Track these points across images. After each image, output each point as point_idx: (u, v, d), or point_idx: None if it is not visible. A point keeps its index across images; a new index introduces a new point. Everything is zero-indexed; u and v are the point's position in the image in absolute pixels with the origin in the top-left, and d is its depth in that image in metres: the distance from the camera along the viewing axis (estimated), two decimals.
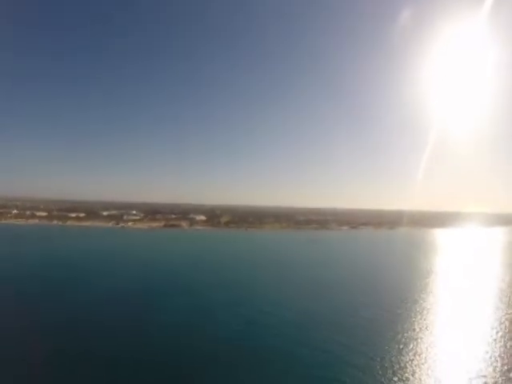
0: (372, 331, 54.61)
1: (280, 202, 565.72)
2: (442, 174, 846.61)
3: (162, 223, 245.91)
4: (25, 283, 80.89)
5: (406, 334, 53.34)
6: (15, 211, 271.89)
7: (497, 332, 54.93)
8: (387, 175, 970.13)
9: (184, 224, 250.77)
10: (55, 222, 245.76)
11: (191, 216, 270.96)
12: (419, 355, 45.92)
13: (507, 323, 59.12)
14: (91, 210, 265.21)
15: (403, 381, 39.06)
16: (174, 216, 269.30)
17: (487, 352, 46.72)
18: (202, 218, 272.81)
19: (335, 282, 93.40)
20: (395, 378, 39.30)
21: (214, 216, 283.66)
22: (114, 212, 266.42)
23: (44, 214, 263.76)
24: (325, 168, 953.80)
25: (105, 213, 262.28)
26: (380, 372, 40.58)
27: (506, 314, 65.53)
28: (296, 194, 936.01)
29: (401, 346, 48.38)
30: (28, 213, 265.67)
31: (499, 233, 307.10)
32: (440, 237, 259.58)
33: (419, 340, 51.52)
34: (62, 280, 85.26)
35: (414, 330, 56.26)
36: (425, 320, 61.30)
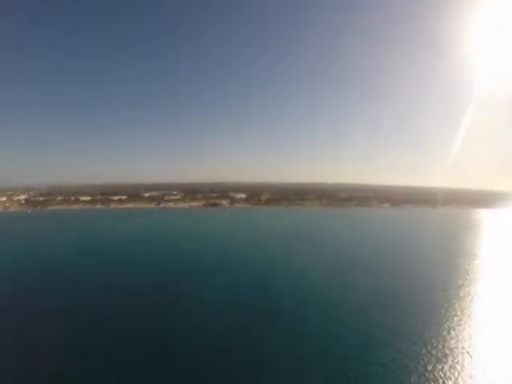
0: (416, 315, 52.04)
1: (320, 179, 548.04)
2: (485, 148, 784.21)
3: (203, 202, 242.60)
4: (71, 267, 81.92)
5: (450, 320, 50.41)
6: (60, 197, 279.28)
7: None
8: (424, 150, 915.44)
9: (224, 202, 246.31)
10: (98, 205, 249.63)
11: (231, 194, 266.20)
12: (464, 342, 43.21)
13: None
14: (133, 193, 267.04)
15: (447, 369, 37.01)
16: (214, 195, 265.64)
17: None
18: (242, 196, 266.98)
19: (378, 262, 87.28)
20: (439, 366, 37.52)
21: (254, 194, 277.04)
22: (154, 193, 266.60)
23: (88, 198, 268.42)
24: (363, 143, 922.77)
25: (146, 194, 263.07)
26: (424, 358, 39.11)
27: None
28: (336, 170, 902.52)
29: (444, 333, 45.87)
30: (72, 198, 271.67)
31: None
32: (489, 218, 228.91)
33: (464, 327, 48.37)
34: (106, 262, 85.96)
35: (460, 316, 52.39)
36: (472, 307, 57.00)
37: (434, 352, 40.43)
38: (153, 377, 35.96)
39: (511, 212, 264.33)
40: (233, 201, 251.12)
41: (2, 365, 37.71)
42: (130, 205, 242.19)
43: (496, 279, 73.88)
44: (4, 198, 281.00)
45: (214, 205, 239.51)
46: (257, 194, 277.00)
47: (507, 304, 58.54)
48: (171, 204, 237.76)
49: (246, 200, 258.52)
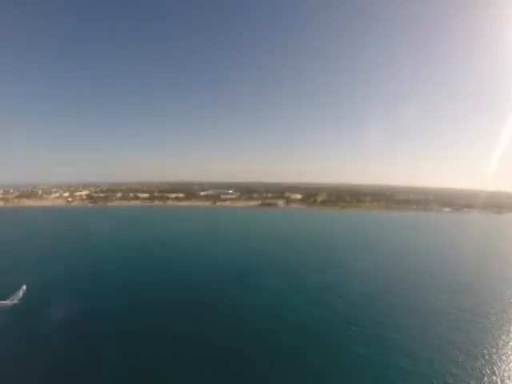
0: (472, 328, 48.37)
1: (376, 181, 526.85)
2: None
3: (258, 202, 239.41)
4: (127, 260, 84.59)
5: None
6: (119, 194, 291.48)
7: None
8: (485, 152, 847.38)
9: (280, 203, 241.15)
10: (156, 202, 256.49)
11: (287, 195, 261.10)
12: None
13: None
14: (189, 191, 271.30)
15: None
16: (269, 195, 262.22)
17: None
18: (298, 196, 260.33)
19: (433, 271, 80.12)
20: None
21: (310, 195, 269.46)
22: (211, 192, 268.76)
23: (146, 195, 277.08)
24: (418, 144, 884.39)
25: (202, 193, 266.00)
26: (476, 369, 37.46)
27: None
28: (392, 172, 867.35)
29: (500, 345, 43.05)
30: (131, 195, 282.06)
31: None
32: None
33: None
34: (162, 256, 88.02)
35: None
36: None
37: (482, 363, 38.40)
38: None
39: None
40: (288, 201, 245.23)
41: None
42: (186, 202, 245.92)
43: None
44: (67, 194, 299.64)
45: (269, 205, 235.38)
46: (312, 195, 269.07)
47: None
48: (227, 203, 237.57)
49: (302, 201, 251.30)
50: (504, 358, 40.56)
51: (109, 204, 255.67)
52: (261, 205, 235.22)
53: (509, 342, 45.08)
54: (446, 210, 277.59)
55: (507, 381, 36.41)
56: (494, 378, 36.64)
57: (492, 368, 38.35)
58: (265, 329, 46.35)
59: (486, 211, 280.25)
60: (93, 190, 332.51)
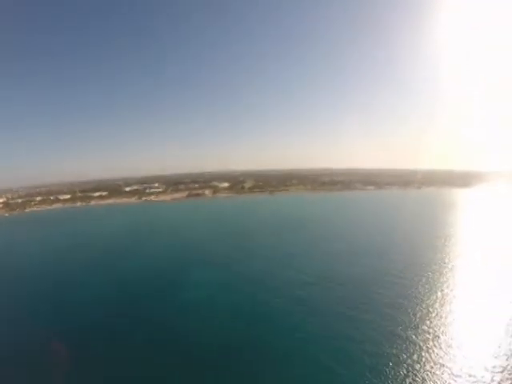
0: (395, 295, 53.24)
1: (301, 165, 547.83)
2: (464, 132, 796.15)
3: (185, 193, 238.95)
4: (48, 268, 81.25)
5: (430, 300, 51.50)
6: (39, 198, 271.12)
7: None
8: (405, 135, 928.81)
9: (207, 192, 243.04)
10: (79, 203, 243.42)
11: (214, 184, 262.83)
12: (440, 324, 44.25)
13: None
14: (113, 188, 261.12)
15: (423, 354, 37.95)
16: (196, 185, 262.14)
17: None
18: (226, 184, 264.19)
19: (361, 245, 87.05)
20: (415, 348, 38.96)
21: (238, 182, 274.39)
22: (136, 187, 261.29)
23: (67, 196, 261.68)
24: (341, 129, 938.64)
25: (127, 188, 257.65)
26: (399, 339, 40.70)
27: None
28: (319, 156, 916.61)
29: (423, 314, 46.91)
30: (52, 198, 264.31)
31: None
32: (469, 196, 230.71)
33: (441, 309, 48.87)
34: (86, 260, 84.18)
35: (440, 296, 53.33)
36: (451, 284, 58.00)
37: (409, 332, 41.82)
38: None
39: (490, 190, 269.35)
40: (216, 190, 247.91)
41: None
42: (110, 200, 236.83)
43: (474, 256, 75.05)
44: None
45: (197, 195, 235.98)
46: (240, 182, 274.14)
47: (484, 290, 56.98)
48: (153, 197, 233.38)
49: (230, 188, 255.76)
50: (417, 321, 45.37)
51: (28, 210, 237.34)
52: (188, 196, 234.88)
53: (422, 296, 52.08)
54: (369, 188, 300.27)
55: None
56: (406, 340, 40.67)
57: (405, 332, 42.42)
58: (205, 323, 46.40)
59: (407, 187, 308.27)
60: (10, 196, 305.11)
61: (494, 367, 35.34)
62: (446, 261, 71.39)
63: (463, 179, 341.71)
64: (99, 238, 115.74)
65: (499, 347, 38.64)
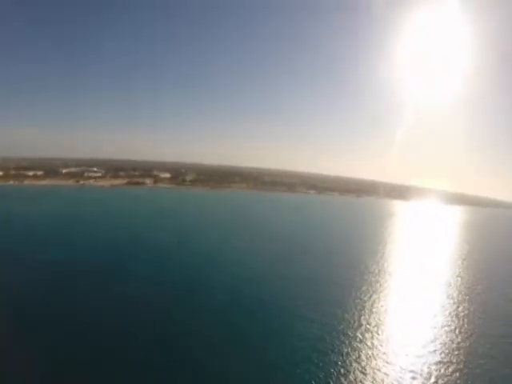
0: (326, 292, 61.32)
1: (244, 163, 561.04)
2: (414, 148, 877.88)
3: (125, 180, 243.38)
4: None
5: (361, 297, 60.80)
6: None
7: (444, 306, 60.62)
8: (361, 147, 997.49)
9: (148, 181, 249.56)
10: (11, 182, 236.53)
11: (155, 173, 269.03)
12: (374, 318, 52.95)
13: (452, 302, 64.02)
14: (50, 168, 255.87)
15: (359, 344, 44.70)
16: (137, 173, 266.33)
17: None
18: (167, 175, 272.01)
19: (303, 246, 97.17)
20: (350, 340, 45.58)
21: (179, 174, 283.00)
22: (74, 169, 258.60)
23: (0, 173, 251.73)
24: (300, 132, 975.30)
25: (64, 170, 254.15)
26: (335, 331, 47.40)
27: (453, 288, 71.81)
28: (266, 156, 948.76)
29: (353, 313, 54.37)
30: None
31: (462, 211, 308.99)
32: (404, 209, 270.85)
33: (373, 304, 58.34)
34: (16, 246, 79.30)
35: (371, 292, 63.28)
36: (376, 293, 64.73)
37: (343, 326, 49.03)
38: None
39: (426, 205, 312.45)
40: (156, 180, 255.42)
41: None
42: (46, 181, 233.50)
43: (399, 267, 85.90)
44: None
45: (136, 183, 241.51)
46: (182, 174, 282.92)
47: (409, 291, 68.14)
48: (92, 181, 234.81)
49: (171, 180, 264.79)
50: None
51: None
52: (128, 183, 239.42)
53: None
54: (311, 192, 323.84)
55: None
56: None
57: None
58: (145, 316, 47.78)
59: (347, 194, 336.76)
60: None
61: (426, 358, 42.79)
62: (379, 263, 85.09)
63: (400, 192, 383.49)
64: (24, 222, 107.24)
65: (431, 340, 47.25)
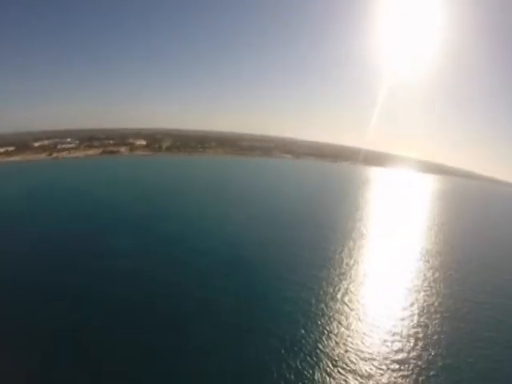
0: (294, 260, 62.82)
1: (222, 128, 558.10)
2: (392, 118, 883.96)
3: (100, 150, 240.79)
4: None
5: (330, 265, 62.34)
6: None
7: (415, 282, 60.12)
8: (341, 114, 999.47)
9: (123, 150, 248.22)
10: None
11: (130, 141, 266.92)
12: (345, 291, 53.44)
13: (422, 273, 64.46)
14: (21, 142, 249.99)
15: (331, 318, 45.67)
16: (111, 142, 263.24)
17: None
18: (142, 142, 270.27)
19: (281, 211, 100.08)
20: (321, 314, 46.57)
21: (155, 140, 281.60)
22: (46, 142, 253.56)
23: None
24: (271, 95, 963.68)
25: (36, 144, 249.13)
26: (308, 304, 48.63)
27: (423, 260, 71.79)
28: (243, 121, 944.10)
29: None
30: None
31: (436, 180, 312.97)
32: (379, 175, 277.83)
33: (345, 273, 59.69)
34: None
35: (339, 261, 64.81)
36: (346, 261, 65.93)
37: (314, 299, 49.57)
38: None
39: (397, 170, 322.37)
40: (132, 148, 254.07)
41: None
42: (18, 157, 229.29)
43: (371, 236, 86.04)
44: None
45: (112, 152, 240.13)
46: (157, 141, 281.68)
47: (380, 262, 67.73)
48: (65, 153, 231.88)
49: (146, 147, 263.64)
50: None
51: None
52: (103, 153, 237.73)
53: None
54: (287, 156, 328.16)
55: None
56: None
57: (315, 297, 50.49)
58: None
59: (323, 160, 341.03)
60: None
61: (406, 321, 45.33)
62: (358, 227, 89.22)
63: (377, 159, 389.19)
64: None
65: (410, 303, 50.09)
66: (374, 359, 37.67)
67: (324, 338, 40.62)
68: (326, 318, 44.41)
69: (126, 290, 48.07)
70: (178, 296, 47.59)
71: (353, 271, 60.10)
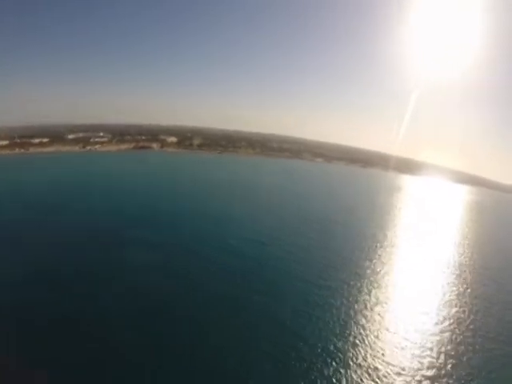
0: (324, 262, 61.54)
1: (247, 128, 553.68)
2: (424, 124, 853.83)
3: (132, 145, 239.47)
4: None
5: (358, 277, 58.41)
6: None
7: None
8: (372, 117, 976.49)
9: (155, 146, 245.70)
10: (17, 150, 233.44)
11: (161, 137, 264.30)
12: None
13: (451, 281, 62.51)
14: (56, 134, 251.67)
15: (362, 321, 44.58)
16: (143, 137, 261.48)
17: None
18: (173, 139, 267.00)
19: (313, 214, 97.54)
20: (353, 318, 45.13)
21: (186, 138, 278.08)
22: (80, 135, 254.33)
23: (5, 142, 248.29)
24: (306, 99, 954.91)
25: (70, 136, 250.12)
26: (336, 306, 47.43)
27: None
28: (272, 122, 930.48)
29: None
30: None
31: (470, 191, 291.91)
32: (409, 182, 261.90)
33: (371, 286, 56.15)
34: (27, 215, 77.38)
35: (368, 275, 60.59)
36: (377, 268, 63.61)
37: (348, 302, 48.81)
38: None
39: (429, 179, 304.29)
40: (163, 144, 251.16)
41: None
42: (52, 148, 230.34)
43: (404, 243, 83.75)
44: None
45: (143, 148, 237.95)
46: (188, 138, 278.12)
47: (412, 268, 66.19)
48: (98, 146, 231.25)
49: (178, 144, 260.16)
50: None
51: None
52: (134, 148, 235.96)
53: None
54: (318, 160, 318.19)
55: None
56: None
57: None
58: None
59: (354, 165, 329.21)
60: None
61: (431, 331, 44.07)
62: (388, 236, 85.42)
63: (408, 166, 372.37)
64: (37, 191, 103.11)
65: (435, 314, 48.59)
66: (406, 374, 36.11)
67: (355, 348, 39.37)
68: (356, 327, 43.30)
69: (158, 284, 48.66)
70: (200, 292, 47.61)
71: (384, 281, 57.88)
